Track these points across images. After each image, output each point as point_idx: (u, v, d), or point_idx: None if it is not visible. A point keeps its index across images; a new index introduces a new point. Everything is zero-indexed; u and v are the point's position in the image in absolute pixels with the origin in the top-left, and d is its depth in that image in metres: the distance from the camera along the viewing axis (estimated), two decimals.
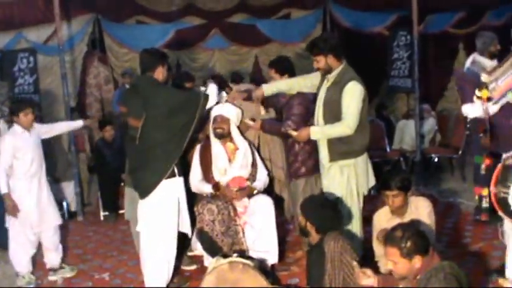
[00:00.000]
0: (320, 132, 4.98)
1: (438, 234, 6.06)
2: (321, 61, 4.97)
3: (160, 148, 4.81)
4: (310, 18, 10.73)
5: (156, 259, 4.91)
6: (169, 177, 4.86)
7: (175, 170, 4.90)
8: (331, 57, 4.93)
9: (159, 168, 4.84)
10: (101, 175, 7.97)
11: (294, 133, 5.11)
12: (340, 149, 4.92)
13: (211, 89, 5.20)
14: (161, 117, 4.78)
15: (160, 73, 4.95)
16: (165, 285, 4.97)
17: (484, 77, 4.44)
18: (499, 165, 3.09)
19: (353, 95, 4.81)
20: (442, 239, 6.01)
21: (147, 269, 4.97)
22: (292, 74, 5.59)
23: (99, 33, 9.97)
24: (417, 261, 3.21)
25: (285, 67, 5.61)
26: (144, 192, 4.93)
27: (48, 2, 8.22)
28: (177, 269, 5.28)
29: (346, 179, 4.98)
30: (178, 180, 4.98)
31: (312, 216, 4.22)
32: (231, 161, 5.40)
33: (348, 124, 4.81)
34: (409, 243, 3.21)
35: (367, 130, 5.04)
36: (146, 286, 4.98)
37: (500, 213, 3.23)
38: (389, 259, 3.29)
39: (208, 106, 5.03)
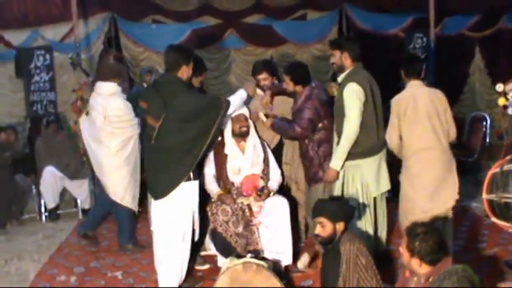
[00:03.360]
0: (337, 158, 5.08)
1: (452, 239, 6.05)
2: (336, 55, 5.20)
3: (177, 151, 4.76)
4: (326, 20, 10.70)
5: (169, 259, 4.90)
6: (185, 180, 4.82)
7: (191, 174, 4.84)
8: (346, 55, 5.13)
9: (175, 173, 4.79)
10: None
11: (263, 118, 5.46)
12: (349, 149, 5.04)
13: (241, 93, 5.12)
14: (179, 120, 4.71)
15: (184, 72, 4.87)
16: (177, 285, 4.96)
17: (498, 87, 4.39)
18: (491, 172, 3.07)
19: (350, 95, 4.97)
20: (457, 243, 5.97)
21: (160, 269, 4.97)
22: (306, 82, 5.53)
23: (115, 31, 10.00)
24: (420, 264, 3.23)
25: (300, 77, 5.53)
26: (157, 194, 4.92)
27: (66, 0, 8.27)
28: (190, 270, 5.28)
29: (350, 180, 5.10)
30: (194, 184, 4.92)
31: (323, 208, 4.24)
32: (244, 154, 5.46)
33: (350, 125, 4.96)
34: (418, 244, 3.24)
35: (374, 132, 5.10)
36: (160, 286, 4.99)
37: (493, 219, 3.22)
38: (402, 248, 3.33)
39: (230, 111, 4.97)
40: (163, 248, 4.93)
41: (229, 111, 4.95)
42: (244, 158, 5.44)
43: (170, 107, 4.70)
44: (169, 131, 4.73)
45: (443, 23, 10.36)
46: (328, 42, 5.53)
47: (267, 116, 5.55)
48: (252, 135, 5.51)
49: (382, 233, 5.47)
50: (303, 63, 6.03)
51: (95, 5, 9.46)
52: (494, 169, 3.02)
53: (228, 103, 4.90)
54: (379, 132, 5.14)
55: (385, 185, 5.25)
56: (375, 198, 5.22)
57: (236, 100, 5.02)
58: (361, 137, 4.98)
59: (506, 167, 2.94)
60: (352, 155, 5.03)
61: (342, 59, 5.15)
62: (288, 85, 5.55)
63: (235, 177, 5.41)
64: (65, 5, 8.52)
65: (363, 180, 5.08)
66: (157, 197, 4.92)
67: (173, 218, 4.85)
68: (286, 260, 5.29)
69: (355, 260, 3.94)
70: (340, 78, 5.21)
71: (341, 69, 5.21)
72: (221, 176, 5.44)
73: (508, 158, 3.12)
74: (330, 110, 5.47)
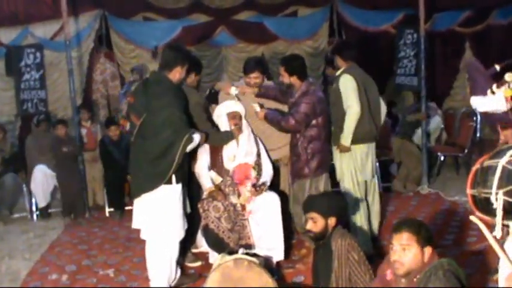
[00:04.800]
0: (345, 137, 5.44)
1: (443, 233, 6.09)
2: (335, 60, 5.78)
3: (151, 153, 4.69)
4: (317, 16, 10.71)
5: (157, 260, 4.90)
6: (164, 183, 4.74)
7: (173, 178, 4.75)
8: (338, 58, 5.69)
9: (149, 175, 4.73)
10: (107, 172, 7.96)
11: (257, 108, 5.49)
12: (338, 135, 5.48)
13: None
14: (154, 123, 4.65)
15: (177, 73, 4.83)
16: (168, 285, 4.94)
17: (508, 76, 4.37)
18: (475, 168, 3.11)
19: (346, 84, 5.44)
20: (447, 238, 6.01)
21: (150, 269, 4.98)
22: (302, 75, 5.52)
23: (105, 29, 9.98)
24: (426, 253, 3.23)
25: (295, 68, 5.50)
26: (133, 193, 4.97)
27: None
28: (183, 268, 5.29)
29: (346, 163, 5.54)
30: (175, 188, 4.81)
31: (314, 203, 4.26)
32: (238, 146, 5.47)
33: (352, 110, 5.36)
34: (424, 232, 3.25)
35: (365, 120, 5.48)
36: (151, 286, 4.98)
37: (478, 213, 3.25)
38: (402, 245, 3.29)
39: (192, 146, 4.81)
40: (149, 248, 4.93)
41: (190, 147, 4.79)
42: (239, 147, 5.46)
43: (150, 108, 4.68)
44: (146, 131, 4.70)
45: (434, 19, 10.37)
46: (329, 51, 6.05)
47: (261, 106, 5.56)
48: (246, 128, 5.53)
49: (374, 222, 5.76)
50: (299, 56, 6.02)
51: (85, 2, 9.45)
52: (477, 165, 3.06)
53: (191, 139, 4.72)
54: (370, 122, 5.53)
55: (369, 173, 5.65)
56: (366, 187, 5.68)
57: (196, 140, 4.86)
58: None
59: (486, 163, 2.99)
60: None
61: (337, 62, 5.72)
62: (284, 77, 5.52)
63: (230, 163, 5.42)
64: (55, 3, 8.50)
65: (356, 165, 5.54)
66: (133, 195, 4.96)
67: (154, 219, 4.81)
68: (277, 256, 5.30)
69: (346, 256, 3.95)
70: (337, 73, 5.67)
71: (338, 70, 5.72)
72: (215, 162, 5.45)
73: (489, 154, 3.16)
74: (326, 108, 5.51)
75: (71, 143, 7.79)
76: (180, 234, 4.95)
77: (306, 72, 5.61)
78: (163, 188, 4.74)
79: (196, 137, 4.82)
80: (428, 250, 3.23)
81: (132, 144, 4.94)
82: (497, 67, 5.02)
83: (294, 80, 5.48)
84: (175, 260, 4.99)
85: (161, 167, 4.69)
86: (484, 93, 4.61)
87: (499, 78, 4.47)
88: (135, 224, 5.00)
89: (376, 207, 5.82)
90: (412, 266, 3.23)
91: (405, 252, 3.24)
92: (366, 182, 5.67)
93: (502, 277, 3.42)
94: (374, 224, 5.79)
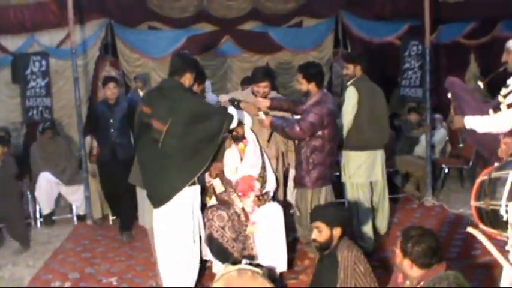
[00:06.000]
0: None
1: (448, 246, 6.07)
2: (349, 68, 6.14)
3: (181, 156, 4.75)
4: (322, 27, 10.71)
5: (182, 262, 4.89)
6: (188, 185, 4.82)
7: (196, 179, 4.87)
8: (358, 67, 6.10)
9: (177, 178, 4.79)
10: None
11: (262, 116, 5.51)
12: (344, 141, 6.04)
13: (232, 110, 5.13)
14: (186, 123, 4.71)
15: (187, 79, 4.92)
16: (193, 285, 4.97)
17: None
18: (479, 180, 3.08)
19: (348, 95, 5.99)
20: (452, 250, 5.99)
21: (171, 273, 4.94)
22: (319, 81, 5.55)
23: (111, 38, 10.00)
24: (412, 266, 3.23)
25: (313, 74, 5.52)
26: (158, 201, 4.90)
27: (62, 7, 8.27)
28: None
29: (345, 166, 6.16)
30: (197, 188, 4.94)
31: (320, 213, 4.29)
32: (242, 160, 5.45)
33: (344, 113, 5.97)
34: (411, 246, 3.24)
35: (364, 129, 5.97)
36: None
37: (481, 226, 3.23)
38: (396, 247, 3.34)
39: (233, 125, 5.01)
40: (172, 255, 4.89)
41: (233, 125, 4.99)
42: (244, 160, 5.45)
43: (177, 110, 4.71)
44: (175, 135, 4.71)
45: (439, 31, 10.39)
46: (342, 56, 6.36)
47: (266, 113, 5.55)
48: (251, 139, 5.52)
49: (380, 222, 6.37)
50: (317, 63, 6.09)
51: (91, 11, 9.45)
52: (482, 176, 3.03)
53: (232, 117, 4.93)
54: (371, 131, 6.01)
55: (372, 176, 6.17)
56: (372, 189, 6.24)
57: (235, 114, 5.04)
58: (352, 134, 5.99)
59: (494, 174, 2.95)
60: (345, 146, 6.06)
61: (355, 70, 6.10)
62: (301, 84, 5.54)
63: (232, 175, 5.42)
64: (62, 11, 8.52)
65: (349, 168, 6.11)
66: (156, 204, 4.90)
67: (178, 223, 4.83)
68: (280, 266, 5.28)
69: (352, 267, 3.95)
70: (348, 83, 6.16)
71: (351, 78, 6.15)
72: (218, 172, 5.45)
73: (495, 165, 3.13)
74: (333, 121, 5.52)
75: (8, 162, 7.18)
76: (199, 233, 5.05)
77: (323, 79, 5.77)
78: (188, 189, 4.82)
79: (233, 112, 5.03)
80: (413, 265, 3.25)
81: (153, 151, 4.83)
82: (481, 83, 4.97)
83: (312, 87, 5.49)
84: (198, 260, 5.01)
85: (190, 165, 4.80)
86: (475, 112, 4.50)
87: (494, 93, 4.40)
88: (147, 223, 5.07)
89: (382, 208, 6.36)
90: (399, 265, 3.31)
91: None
92: (370, 184, 6.20)
93: (505, 281, 3.41)
94: (380, 223, 6.36)
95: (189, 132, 4.72)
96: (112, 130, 7.12)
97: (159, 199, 4.89)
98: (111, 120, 7.12)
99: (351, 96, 5.94)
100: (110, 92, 7.22)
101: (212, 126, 4.83)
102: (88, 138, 7.87)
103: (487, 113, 4.39)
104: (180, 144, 4.73)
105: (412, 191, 8.21)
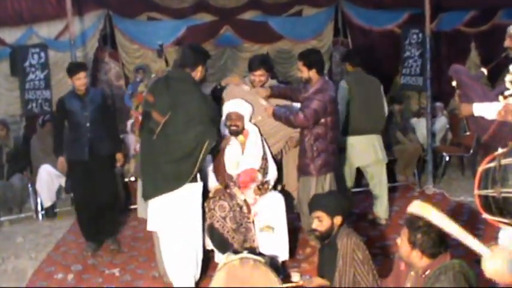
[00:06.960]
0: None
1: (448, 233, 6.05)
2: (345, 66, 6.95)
3: (178, 151, 4.67)
4: (322, 16, 10.69)
5: (184, 259, 4.84)
6: (191, 181, 4.75)
7: (198, 176, 4.79)
8: (347, 64, 6.84)
9: (172, 174, 4.70)
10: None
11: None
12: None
13: None
14: (185, 119, 4.63)
15: (199, 72, 4.88)
16: (194, 285, 4.91)
17: None
18: (483, 168, 3.01)
19: (339, 91, 6.38)
20: (453, 238, 5.97)
21: (174, 270, 4.91)
22: (320, 68, 5.55)
23: (110, 29, 9.98)
24: (421, 257, 3.21)
25: (314, 61, 5.51)
26: (145, 196, 4.90)
27: None
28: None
29: (349, 150, 6.62)
30: (199, 185, 4.86)
31: (320, 202, 4.29)
32: (243, 152, 5.44)
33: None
34: (420, 237, 3.23)
35: (356, 121, 6.46)
36: (175, 287, 4.92)
37: (485, 215, 3.21)
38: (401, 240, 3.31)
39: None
40: (172, 248, 4.85)
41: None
42: (245, 154, 5.45)
43: (178, 104, 4.66)
44: (173, 129, 4.65)
45: (439, 19, 10.36)
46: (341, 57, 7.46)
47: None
48: (253, 132, 5.51)
49: (378, 206, 6.72)
50: (316, 49, 6.19)
51: (90, 2, 9.43)
52: (486, 164, 2.98)
53: (213, 138, 4.76)
54: (367, 118, 6.51)
55: (366, 160, 6.65)
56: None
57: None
58: (351, 120, 6.48)
59: (504, 161, 2.90)
60: (348, 132, 6.52)
61: (346, 67, 6.87)
62: (302, 72, 5.51)
63: (233, 170, 5.41)
64: (60, 3, 8.48)
65: (350, 152, 6.59)
66: (149, 196, 4.85)
67: (180, 218, 4.78)
68: (282, 255, 5.30)
69: (351, 255, 3.95)
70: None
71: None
72: (218, 168, 5.44)
73: (501, 152, 3.09)
74: (336, 109, 5.52)
75: None
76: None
77: (323, 66, 5.77)
78: (189, 186, 4.74)
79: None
80: (420, 255, 3.24)
81: (149, 141, 4.79)
82: (485, 70, 4.95)
83: (313, 73, 5.47)
84: (201, 258, 4.98)
85: (188, 164, 4.68)
86: (482, 99, 4.46)
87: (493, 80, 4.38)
88: (151, 226, 4.95)
89: (379, 193, 6.73)
90: (404, 257, 3.32)
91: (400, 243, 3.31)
92: (366, 169, 6.74)
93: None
94: (379, 211, 6.70)
95: (187, 128, 4.64)
96: (88, 124, 6.11)
97: (145, 194, 4.89)
98: (85, 113, 6.14)
99: (340, 91, 6.43)
100: (80, 82, 6.17)
101: (200, 137, 4.67)
102: None
103: (493, 100, 4.35)
104: (176, 139, 4.65)
105: (400, 178, 8.33)
